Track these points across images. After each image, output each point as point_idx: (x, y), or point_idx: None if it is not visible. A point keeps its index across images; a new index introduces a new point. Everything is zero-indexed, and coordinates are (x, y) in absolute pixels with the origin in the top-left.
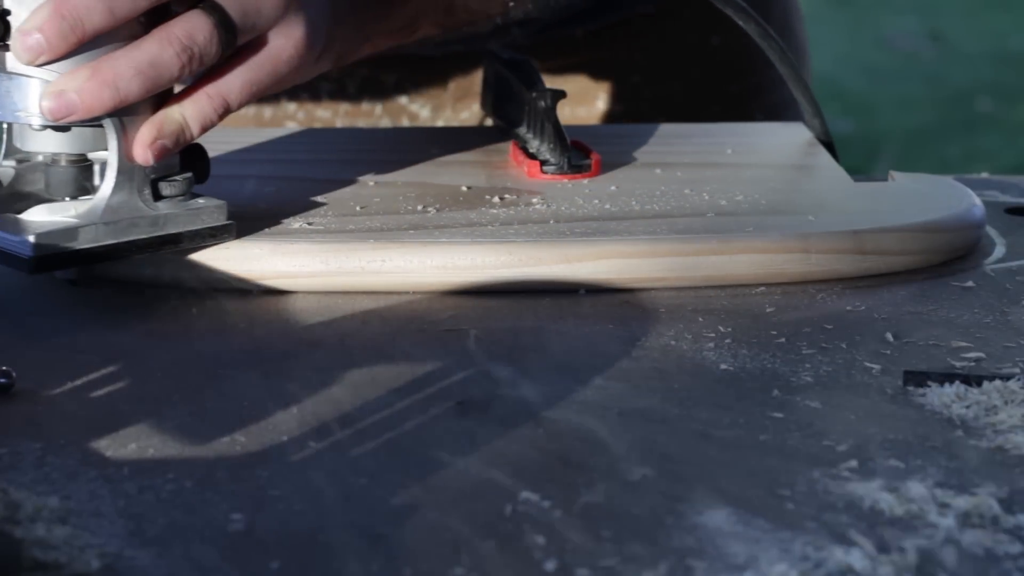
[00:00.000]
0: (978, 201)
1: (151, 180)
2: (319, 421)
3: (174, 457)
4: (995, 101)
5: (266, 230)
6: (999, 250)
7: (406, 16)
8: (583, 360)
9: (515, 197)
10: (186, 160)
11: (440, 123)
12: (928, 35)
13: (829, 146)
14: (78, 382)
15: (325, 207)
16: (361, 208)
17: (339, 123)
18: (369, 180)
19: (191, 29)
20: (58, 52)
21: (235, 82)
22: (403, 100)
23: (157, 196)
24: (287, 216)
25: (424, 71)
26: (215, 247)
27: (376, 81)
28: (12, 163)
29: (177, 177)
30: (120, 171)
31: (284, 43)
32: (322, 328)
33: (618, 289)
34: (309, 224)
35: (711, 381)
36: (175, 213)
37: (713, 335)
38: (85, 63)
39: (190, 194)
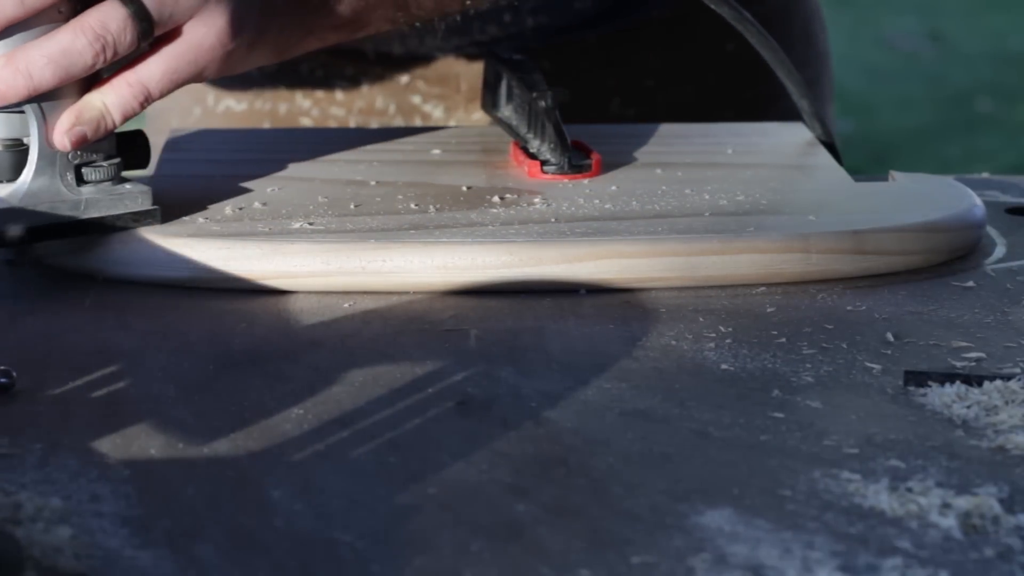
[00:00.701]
0: (978, 201)
1: (75, 166)
2: (320, 421)
3: (175, 457)
4: (995, 101)
5: (266, 230)
6: (999, 250)
7: (352, 11)
8: (583, 360)
9: (515, 197)
10: (125, 146)
11: (452, 123)
12: (928, 35)
13: (831, 147)
14: (78, 382)
15: (325, 207)
16: (361, 208)
17: (353, 121)
18: (369, 180)
19: (104, 19)
20: None
21: (155, 71)
22: (416, 100)
23: (81, 181)
24: (287, 216)
25: (437, 72)
26: (217, 247)
27: (390, 80)
28: None
29: (102, 163)
30: (41, 156)
31: (205, 32)
32: (322, 328)
33: (619, 289)
34: (309, 224)
35: (712, 381)
36: (97, 198)
37: (714, 335)
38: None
39: (118, 179)
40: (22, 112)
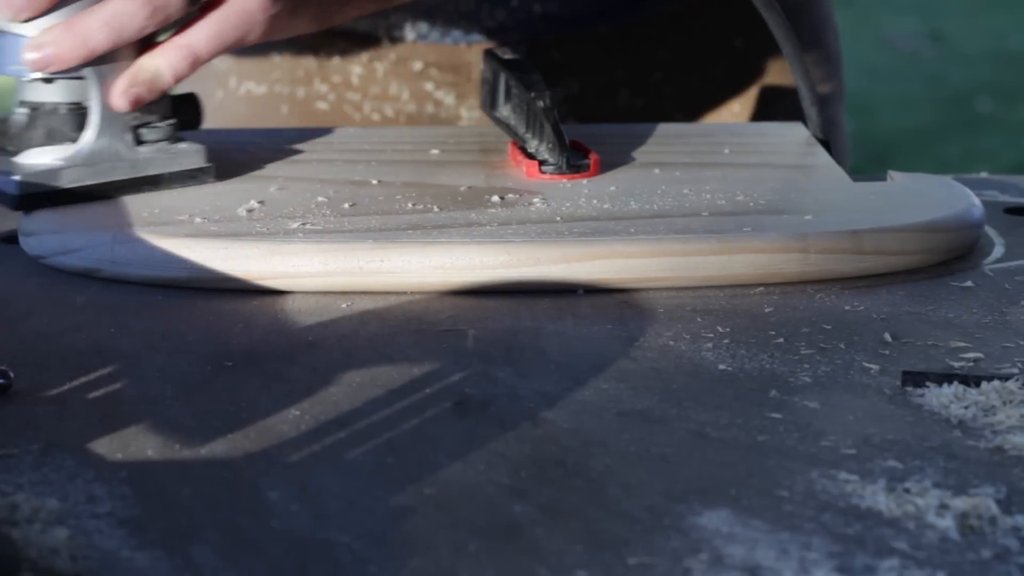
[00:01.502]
0: (977, 201)
1: (132, 127)
2: (318, 422)
3: (172, 458)
4: (995, 101)
5: (264, 230)
6: (998, 250)
7: None
8: (581, 360)
9: (514, 197)
10: (179, 108)
11: (464, 111)
12: (928, 35)
13: (826, 144)
14: (77, 382)
15: (323, 207)
16: (359, 208)
17: (368, 106)
18: (368, 180)
19: None
20: (38, 10)
21: (202, 35)
22: (429, 87)
23: (139, 141)
24: (286, 216)
25: (450, 60)
26: (215, 248)
27: (404, 67)
28: (25, 110)
29: (159, 123)
30: (101, 117)
31: None
32: (321, 328)
33: (617, 289)
34: (308, 224)
35: (709, 381)
36: (154, 156)
37: (711, 335)
38: (61, 19)
39: (175, 138)
40: (82, 78)
